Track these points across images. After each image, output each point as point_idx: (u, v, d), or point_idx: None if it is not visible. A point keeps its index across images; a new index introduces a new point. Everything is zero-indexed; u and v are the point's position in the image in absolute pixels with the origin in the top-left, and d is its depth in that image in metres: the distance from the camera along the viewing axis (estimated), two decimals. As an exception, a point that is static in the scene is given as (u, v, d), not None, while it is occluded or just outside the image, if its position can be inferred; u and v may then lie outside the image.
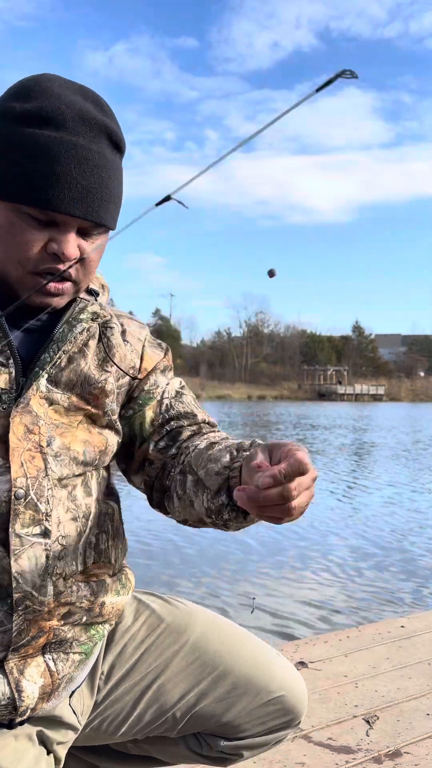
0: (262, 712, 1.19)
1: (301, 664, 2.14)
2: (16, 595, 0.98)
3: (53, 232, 0.96)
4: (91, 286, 1.13)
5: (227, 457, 1.03)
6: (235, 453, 1.04)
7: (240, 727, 1.19)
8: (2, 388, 1.00)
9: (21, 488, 1.01)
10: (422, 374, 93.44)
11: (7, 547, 0.98)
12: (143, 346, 1.19)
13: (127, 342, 1.16)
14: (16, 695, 0.97)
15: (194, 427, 1.19)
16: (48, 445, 1.04)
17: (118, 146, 1.01)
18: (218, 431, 1.21)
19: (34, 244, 0.96)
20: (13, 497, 1.00)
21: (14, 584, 0.98)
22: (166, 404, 1.19)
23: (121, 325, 1.17)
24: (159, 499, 1.18)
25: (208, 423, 1.21)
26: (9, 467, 1.00)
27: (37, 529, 1.01)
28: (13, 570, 0.98)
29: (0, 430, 0.99)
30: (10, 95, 0.98)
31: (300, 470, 0.83)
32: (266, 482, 0.82)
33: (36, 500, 1.02)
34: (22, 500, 1.01)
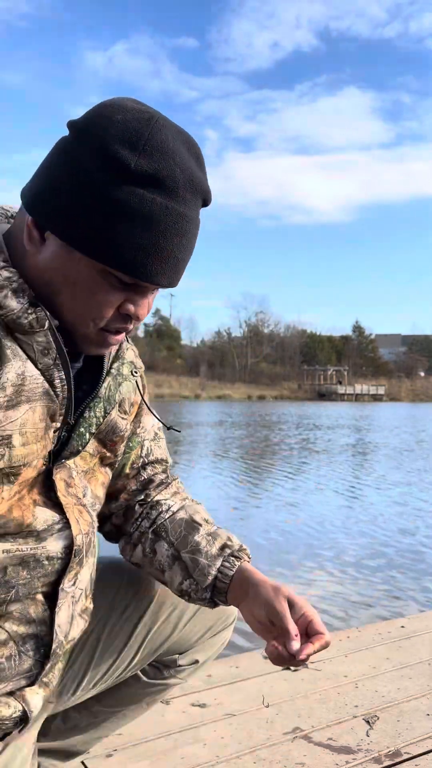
0: (203, 617, 1.29)
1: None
2: (53, 646, 1.01)
3: (131, 294, 0.94)
4: None
5: (219, 561, 1.15)
6: (226, 556, 1.16)
7: (188, 637, 1.30)
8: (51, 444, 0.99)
9: (79, 545, 1.03)
10: (422, 374, 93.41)
11: (54, 601, 1.01)
12: (138, 380, 1.18)
13: (133, 377, 1.17)
14: (25, 707, 0.99)
15: (164, 475, 1.27)
16: (84, 496, 1.07)
17: (205, 204, 0.97)
18: (179, 483, 1.30)
19: (113, 304, 0.94)
20: (73, 555, 1.02)
21: (54, 636, 1.00)
22: (147, 448, 1.25)
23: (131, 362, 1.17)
24: (112, 534, 1.26)
25: (170, 464, 1.31)
26: (68, 523, 1.02)
27: (74, 581, 1.05)
28: (56, 623, 1.01)
29: (47, 486, 0.99)
30: (119, 138, 0.87)
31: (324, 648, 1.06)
32: (302, 656, 1.03)
33: (84, 555, 1.06)
34: (77, 557, 1.04)
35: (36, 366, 0.93)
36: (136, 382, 1.16)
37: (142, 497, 1.23)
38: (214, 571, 1.15)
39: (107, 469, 1.16)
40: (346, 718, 1.80)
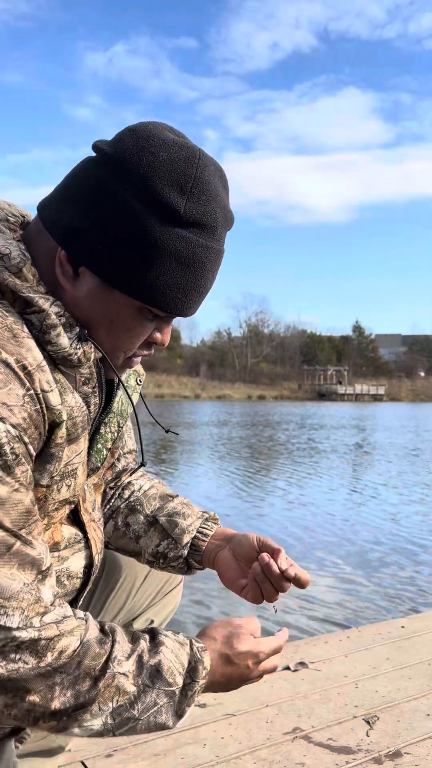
0: (152, 580, 1.36)
1: (301, 664, 2.14)
2: None
3: (160, 324, 0.97)
4: None
5: (198, 522, 1.24)
6: (204, 518, 1.24)
7: (141, 601, 1.35)
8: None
9: (96, 565, 1.07)
10: (422, 374, 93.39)
11: None
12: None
13: (138, 386, 1.21)
14: None
15: (134, 463, 1.33)
16: (94, 510, 1.09)
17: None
18: (143, 471, 1.36)
19: (144, 336, 0.96)
20: (92, 576, 1.06)
21: None
22: (124, 440, 1.30)
23: None
24: None
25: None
26: (88, 541, 1.04)
27: (83, 597, 1.09)
28: None
29: (72, 503, 1.01)
30: (167, 180, 0.86)
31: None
32: (285, 587, 1.12)
33: (97, 573, 1.10)
34: (92, 576, 1.07)
35: (78, 393, 0.95)
36: (141, 395, 1.20)
37: (113, 483, 1.30)
38: (193, 530, 1.23)
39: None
40: (346, 718, 1.80)
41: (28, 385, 0.83)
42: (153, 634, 0.93)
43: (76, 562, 1.01)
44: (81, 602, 1.24)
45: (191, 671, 0.92)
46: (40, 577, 0.82)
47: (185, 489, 9.01)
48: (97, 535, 1.07)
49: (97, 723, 0.84)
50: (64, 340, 0.89)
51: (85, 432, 0.97)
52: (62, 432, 0.90)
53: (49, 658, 0.81)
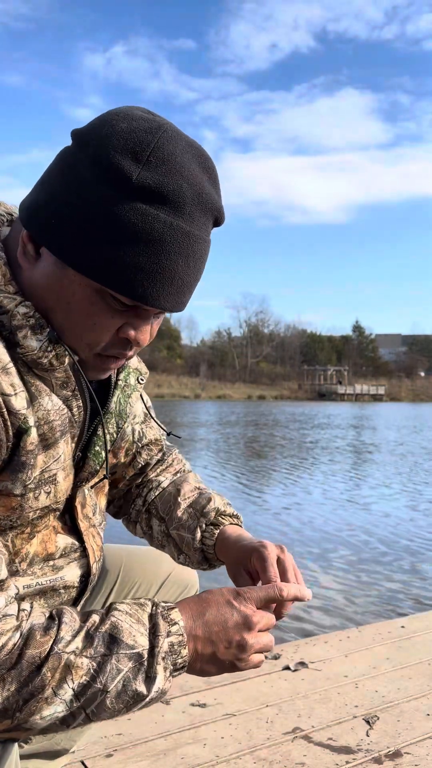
0: (165, 592, 1.32)
1: (301, 664, 2.14)
2: None
3: (131, 318, 0.87)
4: None
5: (198, 533, 1.15)
6: (204, 527, 1.16)
7: None
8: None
9: (94, 573, 1.03)
10: (422, 374, 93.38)
11: None
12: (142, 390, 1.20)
13: (140, 385, 1.16)
14: None
15: (160, 455, 1.27)
16: (94, 514, 1.06)
17: (218, 224, 0.90)
18: (175, 455, 1.30)
19: (110, 328, 0.87)
20: (89, 585, 1.03)
21: None
22: (138, 432, 1.23)
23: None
24: (116, 513, 1.29)
25: (165, 442, 1.30)
26: (86, 551, 1.01)
27: (83, 605, 1.06)
28: None
29: (66, 511, 0.99)
30: (121, 147, 0.80)
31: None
32: (283, 593, 0.93)
33: (95, 581, 1.06)
34: (90, 585, 1.04)
35: (57, 396, 0.90)
36: (140, 394, 1.15)
37: (140, 480, 1.26)
38: (197, 544, 1.17)
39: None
40: (346, 718, 1.80)
41: None
42: (109, 606, 0.86)
43: (72, 572, 0.99)
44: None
45: (152, 629, 0.84)
46: None
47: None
48: (95, 542, 1.04)
49: (59, 709, 0.78)
50: (32, 342, 0.84)
51: (66, 436, 0.92)
52: (32, 438, 0.85)
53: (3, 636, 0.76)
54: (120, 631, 0.82)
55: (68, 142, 0.88)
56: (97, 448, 1.01)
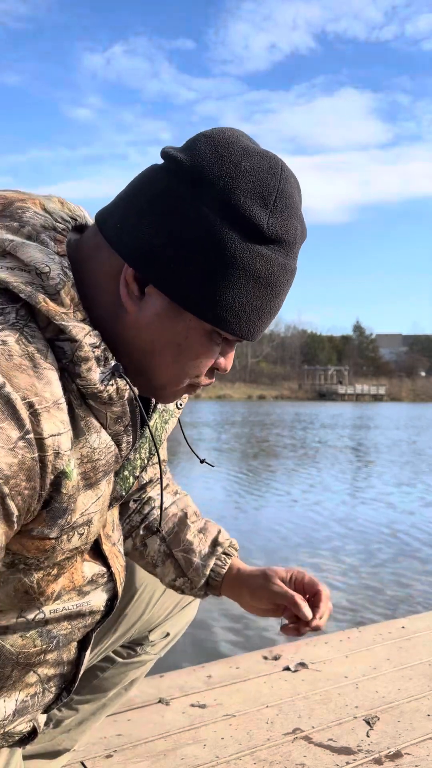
0: (171, 592, 1.33)
1: (302, 664, 2.14)
2: (75, 686, 1.03)
3: (225, 348, 0.89)
4: None
5: (212, 560, 1.20)
6: (218, 554, 1.21)
7: (159, 613, 1.34)
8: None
9: (120, 595, 1.02)
10: (423, 374, 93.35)
11: (85, 644, 1.01)
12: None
13: (178, 410, 1.15)
14: (36, 725, 1.01)
15: (157, 472, 1.28)
16: (113, 531, 1.03)
17: None
18: (169, 474, 1.32)
19: (211, 362, 0.88)
20: (114, 607, 1.02)
21: (78, 677, 1.03)
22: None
23: None
24: None
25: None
26: (112, 575, 0.99)
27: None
28: (83, 666, 1.02)
29: (83, 552, 0.95)
30: (250, 193, 0.79)
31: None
32: (316, 622, 1.13)
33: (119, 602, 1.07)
34: (116, 607, 1.04)
35: (107, 432, 0.84)
36: (179, 419, 1.11)
37: (138, 495, 1.27)
38: (207, 571, 1.20)
39: None
40: (347, 719, 1.80)
41: (28, 427, 0.72)
42: None
43: (99, 596, 0.97)
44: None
45: None
46: None
47: (186, 488, 8.99)
48: (119, 563, 1.01)
49: None
50: (94, 375, 0.79)
51: (110, 476, 0.88)
52: (73, 482, 0.79)
53: None
54: None
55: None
56: (126, 473, 0.99)
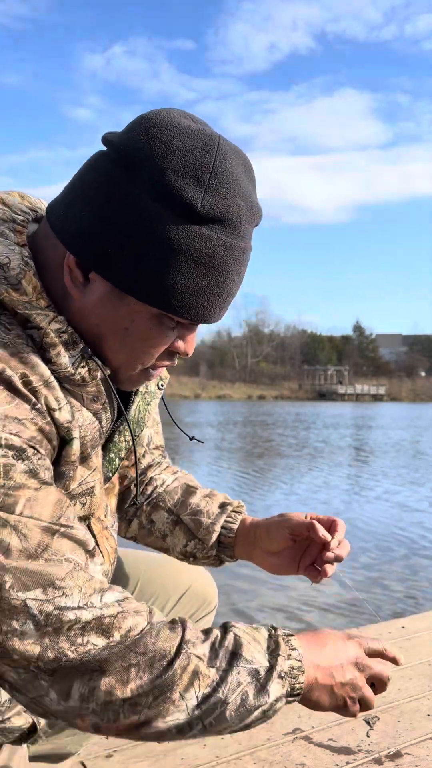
0: (183, 605, 1.33)
1: (302, 664, 2.14)
2: None
3: (182, 332, 0.89)
4: None
5: (222, 517, 1.20)
6: (228, 512, 1.21)
7: None
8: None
9: (109, 576, 1.03)
10: (423, 374, 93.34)
11: None
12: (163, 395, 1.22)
13: (159, 392, 1.17)
14: (35, 720, 1.01)
15: (161, 458, 1.30)
16: (105, 516, 1.05)
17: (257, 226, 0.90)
18: (168, 459, 1.33)
19: (164, 346, 0.89)
20: None
21: None
22: (148, 437, 1.26)
23: None
24: None
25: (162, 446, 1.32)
26: (99, 552, 0.99)
27: None
28: None
29: (86, 520, 0.98)
30: (181, 171, 0.78)
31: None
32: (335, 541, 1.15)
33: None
34: None
35: (87, 410, 0.89)
36: (162, 397, 1.14)
37: (141, 479, 1.27)
38: (218, 528, 1.19)
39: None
40: (347, 719, 1.80)
41: (33, 400, 0.79)
42: (224, 623, 0.88)
43: None
44: None
45: (272, 650, 0.85)
46: (88, 556, 0.80)
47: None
48: (109, 544, 1.03)
49: (181, 717, 0.77)
50: (64, 359, 0.83)
51: (97, 448, 0.92)
52: (74, 449, 0.85)
53: (117, 636, 0.76)
54: (240, 646, 0.83)
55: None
56: (112, 455, 1.02)
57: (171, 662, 0.78)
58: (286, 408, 45.09)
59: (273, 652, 0.85)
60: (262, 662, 0.83)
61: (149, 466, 1.27)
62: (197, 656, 0.80)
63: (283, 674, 0.83)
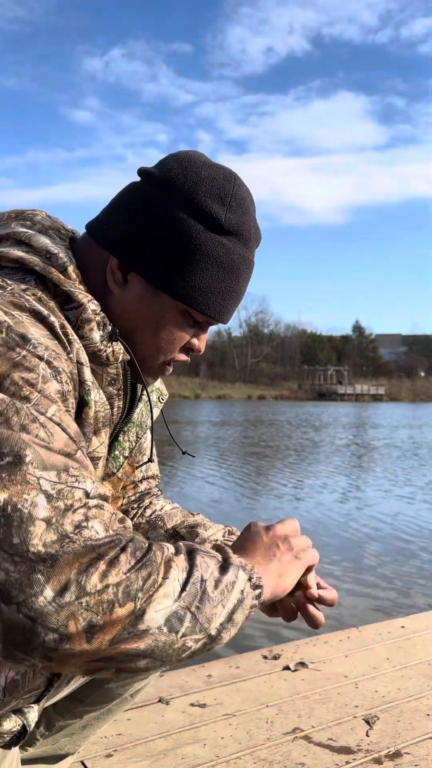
0: None
1: (301, 664, 2.14)
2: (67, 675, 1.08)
3: (198, 331, 1.05)
4: None
5: (219, 533, 1.25)
6: (225, 533, 1.25)
7: None
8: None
9: None
10: (423, 374, 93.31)
11: None
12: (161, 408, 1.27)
13: (160, 404, 1.25)
14: (24, 722, 1.01)
15: (156, 489, 1.35)
16: None
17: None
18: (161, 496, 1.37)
19: (185, 341, 1.03)
20: None
21: None
22: (146, 465, 1.28)
23: None
24: None
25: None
26: None
27: None
28: None
29: None
30: (209, 193, 0.97)
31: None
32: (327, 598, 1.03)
33: None
34: None
35: (103, 392, 0.99)
36: (161, 410, 1.23)
37: (136, 504, 1.31)
38: (214, 540, 1.24)
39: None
40: (346, 719, 1.80)
41: (69, 348, 0.90)
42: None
43: None
44: None
45: (219, 548, 0.91)
46: (98, 481, 0.85)
47: (187, 487, 9.00)
48: None
49: (169, 602, 0.78)
50: (95, 335, 0.95)
51: (106, 428, 1.00)
52: (92, 412, 0.94)
53: (116, 525, 0.79)
54: (194, 546, 0.87)
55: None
56: (117, 452, 1.10)
57: (149, 549, 0.80)
58: (285, 408, 45.09)
59: (221, 550, 0.90)
60: (216, 554, 0.88)
61: (146, 493, 1.32)
62: (165, 546, 0.83)
63: (239, 562, 0.87)
